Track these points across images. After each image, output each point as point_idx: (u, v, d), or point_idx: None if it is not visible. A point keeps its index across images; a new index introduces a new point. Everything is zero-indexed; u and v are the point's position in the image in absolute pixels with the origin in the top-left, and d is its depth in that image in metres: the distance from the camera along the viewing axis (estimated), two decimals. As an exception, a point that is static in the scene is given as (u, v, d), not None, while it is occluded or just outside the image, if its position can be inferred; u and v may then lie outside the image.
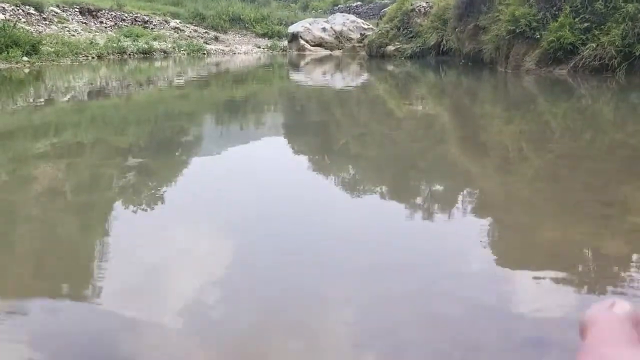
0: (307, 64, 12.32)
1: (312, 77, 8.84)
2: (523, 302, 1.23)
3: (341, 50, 16.72)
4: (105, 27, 14.15)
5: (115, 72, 9.09)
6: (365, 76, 9.01)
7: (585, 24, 6.60)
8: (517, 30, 7.27)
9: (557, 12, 6.98)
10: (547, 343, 1.09)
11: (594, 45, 6.44)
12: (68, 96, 5.80)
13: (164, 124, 3.90)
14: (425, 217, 1.73)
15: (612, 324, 0.69)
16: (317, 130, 3.65)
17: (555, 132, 3.38)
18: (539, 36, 7.07)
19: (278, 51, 16.99)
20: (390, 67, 9.98)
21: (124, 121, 4.10)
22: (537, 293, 1.26)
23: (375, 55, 12.85)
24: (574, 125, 3.72)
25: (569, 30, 6.67)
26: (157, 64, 11.03)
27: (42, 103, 5.13)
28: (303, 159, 2.78)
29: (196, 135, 3.43)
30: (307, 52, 16.49)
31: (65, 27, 12.58)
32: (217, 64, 12.01)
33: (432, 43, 11.29)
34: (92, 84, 7.23)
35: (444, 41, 10.76)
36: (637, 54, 6.02)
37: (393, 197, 2.04)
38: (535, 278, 1.33)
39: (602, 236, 1.56)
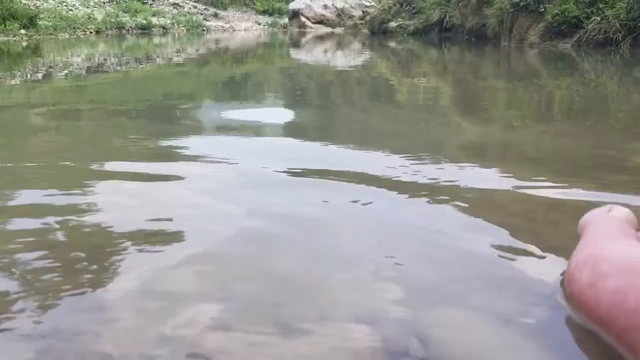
0: (308, 42, 12.19)
1: (314, 55, 8.74)
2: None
3: (343, 28, 16.53)
4: (104, 2, 13.97)
5: (113, 47, 9.00)
6: (367, 54, 8.92)
7: (591, -3, 6.50)
8: (522, 3, 7.16)
9: (562, -15, 6.87)
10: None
11: (599, 18, 6.34)
12: (65, 72, 5.75)
13: (163, 102, 3.87)
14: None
15: (607, 223, 0.69)
16: (319, 106, 3.62)
17: (557, 106, 3.34)
18: (543, 9, 6.96)
19: (278, 28, 16.81)
20: (392, 44, 9.86)
21: (123, 98, 4.06)
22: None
23: (377, 32, 12.72)
24: (579, 99, 3.67)
25: (573, 3, 6.56)
26: (156, 40, 10.91)
27: (40, 79, 5.08)
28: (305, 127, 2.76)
29: (194, 112, 3.39)
30: (308, 30, 16.31)
31: (63, 1, 12.43)
32: (217, 41, 11.90)
33: (435, 19, 11.15)
34: (90, 59, 7.16)
35: (447, 17, 10.63)
36: (642, 27, 5.94)
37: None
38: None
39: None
